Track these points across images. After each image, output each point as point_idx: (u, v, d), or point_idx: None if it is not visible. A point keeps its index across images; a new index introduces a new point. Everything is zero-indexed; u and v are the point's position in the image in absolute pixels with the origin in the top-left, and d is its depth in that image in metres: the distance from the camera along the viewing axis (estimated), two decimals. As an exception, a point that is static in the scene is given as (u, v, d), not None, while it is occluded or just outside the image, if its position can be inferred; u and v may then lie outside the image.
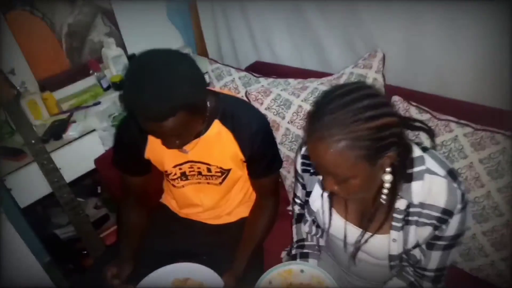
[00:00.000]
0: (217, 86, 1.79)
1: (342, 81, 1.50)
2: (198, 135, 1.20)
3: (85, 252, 1.86)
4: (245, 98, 1.61)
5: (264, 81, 1.73)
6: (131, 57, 2.18)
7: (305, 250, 1.21)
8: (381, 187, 0.91)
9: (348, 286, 1.21)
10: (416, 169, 0.89)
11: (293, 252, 1.23)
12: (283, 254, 1.39)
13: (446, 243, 0.93)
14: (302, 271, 1.12)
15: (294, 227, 1.26)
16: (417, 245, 0.97)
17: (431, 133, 0.95)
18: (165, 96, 0.96)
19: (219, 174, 1.30)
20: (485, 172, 1.21)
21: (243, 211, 1.44)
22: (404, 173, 0.89)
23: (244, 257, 1.27)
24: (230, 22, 2.16)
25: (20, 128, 1.53)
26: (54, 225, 2.09)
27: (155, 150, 1.26)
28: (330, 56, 1.82)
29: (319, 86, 1.53)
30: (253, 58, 2.13)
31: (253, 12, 2.01)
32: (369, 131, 0.76)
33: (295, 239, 1.25)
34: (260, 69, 1.93)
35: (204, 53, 2.35)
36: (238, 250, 1.29)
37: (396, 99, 1.43)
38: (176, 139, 1.09)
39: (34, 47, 1.96)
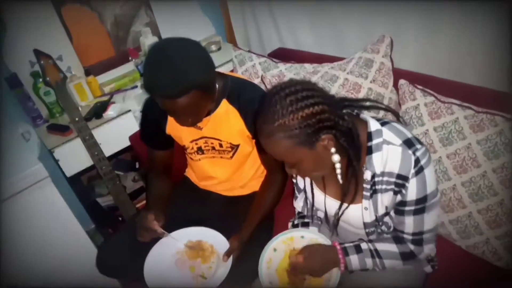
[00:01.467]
0: (239, 71, 1.93)
1: (351, 65, 1.58)
2: (209, 113, 1.34)
3: (121, 218, 2.09)
4: (261, 82, 1.73)
5: (282, 66, 1.83)
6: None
7: (306, 220, 1.32)
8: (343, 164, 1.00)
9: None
10: (374, 141, 0.99)
11: (295, 222, 1.35)
12: (290, 224, 1.51)
13: (413, 208, 1.00)
14: (302, 237, 1.22)
15: (294, 200, 1.37)
16: (387, 213, 1.06)
17: (390, 110, 1.06)
18: (180, 76, 1.10)
19: (230, 149, 1.43)
20: (481, 153, 1.25)
21: (256, 186, 1.55)
22: (354, 149, 0.98)
23: (251, 225, 1.39)
24: (256, 12, 2.28)
25: (66, 108, 1.75)
26: (97, 194, 2.34)
27: (174, 127, 1.41)
28: (348, 42, 1.89)
29: (329, 70, 1.62)
30: (277, 45, 2.23)
31: (277, 1, 2.11)
32: (295, 122, 0.89)
33: (297, 211, 1.37)
34: (282, 55, 2.03)
35: (233, 40, 2.49)
36: (246, 219, 1.41)
37: (402, 82, 1.48)
38: (189, 117, 1.24)
39: (85, 37, 2.19)
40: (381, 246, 1.08)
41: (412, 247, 1.07)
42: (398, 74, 1.55)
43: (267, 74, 1.71)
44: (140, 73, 2.29)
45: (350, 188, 1.04)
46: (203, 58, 1.18)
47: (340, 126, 0.94)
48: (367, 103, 1.04)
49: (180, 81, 1.11)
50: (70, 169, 1.94)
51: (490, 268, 1.28)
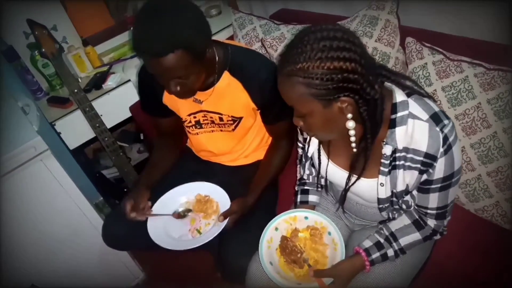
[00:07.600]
0: (239, 35, 1.85)
1: (355, 23, 1.49)
2: (210, 85, 1.28)
3: (126, 190, 2.10)
4: (262, 46, 1.66)
5: (284, 28, 1.75)
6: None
7: (306, 187, 1.29)
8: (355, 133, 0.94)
9: (346, 222, 1.30)
10: (399, 114, 0.91)
11: (296, 188, 1.32)
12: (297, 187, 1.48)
13: (439, 185, 0.95)
14: (306, 217, 1.19)
15: (298, 166, 1.34)
16: (407, 191, 1.00)
17: (430, 97, 0.97)
18: (167, 33, 1.04)
19: (231, 122, 1.38)
20: (492, 113, 1.19)
21: (260, 155, 1.52)
22: (373, 123, 0.90)
23: (256, 190, 1.37)
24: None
25: (64, 79, 1.72)
26: (102, 166, 2.35)
27: (171, 97, 1.34)
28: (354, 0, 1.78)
29: (332, 30, 1.53)
30: (280, 6, 2.12)
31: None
32: (318, 70, 0.81)
33: (298, 177, 1.34)
34: (284, 16, 1.95)
35: (234, 4, 2.38)
36: (252, 184, 1.39)
37: (409, 40, 1.40)
38: (177, 84, 1.15)
39: (81, 6, 2.12)
40: (405, 241, 1.06)
41: (434, 222, 1.04)
42: (405, 31, 1.46)
43: (268, 37, 1.64)
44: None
45: (359, 160, 0.98)
46: (195, 19, 1.11)
47: (366, 94, 0.85)
48: (407, 82, 0.95)
49: (166, 37, 1.04)
50: (73, 142, 1.94)
51: (499, 231, 1.25)
